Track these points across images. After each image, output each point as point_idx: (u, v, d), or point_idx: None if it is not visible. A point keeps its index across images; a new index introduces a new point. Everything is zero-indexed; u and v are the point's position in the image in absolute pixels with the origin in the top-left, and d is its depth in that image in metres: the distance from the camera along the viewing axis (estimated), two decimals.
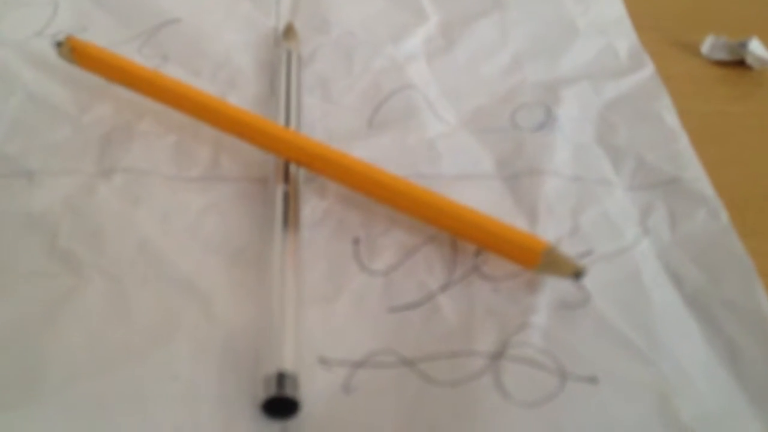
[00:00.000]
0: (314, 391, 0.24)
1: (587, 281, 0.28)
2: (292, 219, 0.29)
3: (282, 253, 0.27)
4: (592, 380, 0.25)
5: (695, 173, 0.32)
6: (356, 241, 0.29)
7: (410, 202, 0.29)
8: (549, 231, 0.30)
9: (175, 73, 0.36)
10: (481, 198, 0.31)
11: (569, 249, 0.29)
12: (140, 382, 0.24)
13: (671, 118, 0.35)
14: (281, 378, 0.23)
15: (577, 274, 0.27)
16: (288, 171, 0.30)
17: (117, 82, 0.33)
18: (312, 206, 0.30)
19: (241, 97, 0.35)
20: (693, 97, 0.37)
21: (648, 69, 0.37)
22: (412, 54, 0.38)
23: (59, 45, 0.34)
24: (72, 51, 0.33)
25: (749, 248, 0.29)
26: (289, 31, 0.38)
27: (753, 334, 0.26)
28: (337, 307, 0.27)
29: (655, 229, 0.30)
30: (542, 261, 0.27)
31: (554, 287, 0.28)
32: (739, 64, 0.39)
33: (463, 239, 0.29)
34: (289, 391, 0.23)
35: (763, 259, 0.29)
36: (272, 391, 0.23)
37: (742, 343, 0.26)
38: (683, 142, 0.33)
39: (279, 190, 0.30)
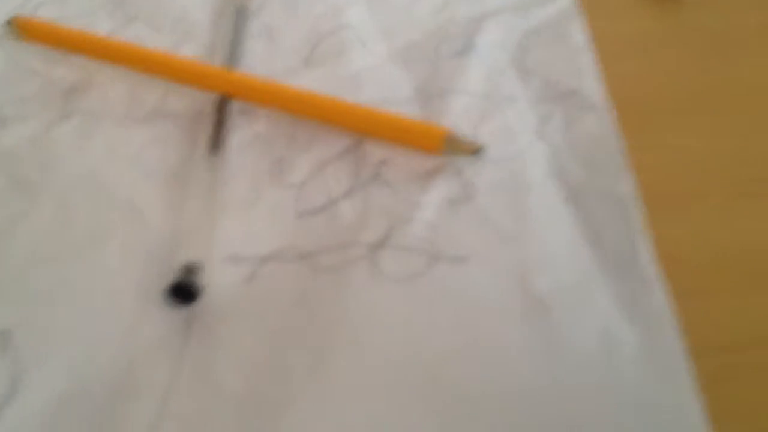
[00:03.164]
0: (222, 282, 0.28)
1: (476, 181, 0.31)
2: (219, 143, 0.33)
3: (206, 171, 0.32)
4: (461, 260, 0.28)
5: (591, 85, 0.35)
6: (279, 160, 0.33)
7: (324, 110, 0.34)
8: None
9: (138, 31, 0.40)
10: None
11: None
12: (76, 275, 0.29)
13: (580, 38, 0.37)
14: (187, 268, 0.28)
15: (476, 151, 0.31)
16: (223, 105, 0.35)
17: (65, 50, 0.37)
18: (243, 133, 0.34)
19: (195, 47, 0.39)
20: (613, 19, 0.39)
21: None
22: None
23: (8, 24, 0.38)
24: (20, 29, 0.38)
25: (641, 144, 0.32)
26: None
27: (615, 215, 0.30)
28: (252, 214, 0.31)
29: (550, 134, 0.33)
30: (446, 144, 0.31)
31: (445, 188, 0.31)
32: None
33: (375, 136, 0.33)
34: (191, 278, 0.27)
35: (650, 153, 0.32)
36: (176, 278, 0.27)
37: (605, 223, 0.29)
38: (587, 59, 0.36)
39: (210, 120, 0.34)
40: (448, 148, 0.31)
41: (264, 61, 0.38)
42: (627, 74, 0.36)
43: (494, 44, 0.38)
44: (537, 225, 0.30)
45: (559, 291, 0.28)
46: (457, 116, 0.34)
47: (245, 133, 0.34)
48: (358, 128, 0.33)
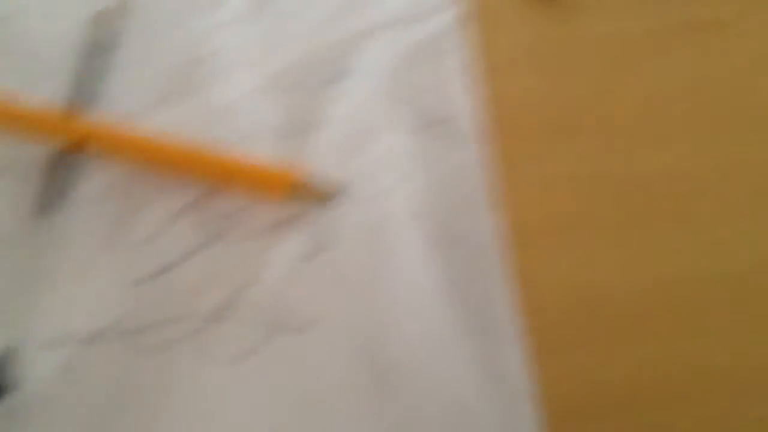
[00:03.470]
0: (40, 369, 0.25)
1: (334, 230, 0.28)
2: (52, 202, 0.30)
3: (35, 237, 0.28)
4: (305, 328, 0.25)
5: (464, 112, 0.32)
6: (118, 219, 0.30)
7: (166, 158, 0.30)
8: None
9: None
10: (260, 158, 0.31)
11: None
12: None
13: (459, 58, 0.34)
14: None
15: (328, 198, 0.28)
16: (60, 157, 0.31)
17: None
18: (80, 189, 0.31)
19: (51, 85, 0.36)
20: (498, 30, 0.36)
21: (453, 9, 0.37)
22: (223, 22, 0.38)
23: None
24: None
25: (514, 175, 0.29)
26: (100, 18, 0.38)
27: (476, 265, 0.27)
28: (82, 286, 0.28)
29: (418, 170, 0.30)
30: (294, 192, 0.29)
31: (298, 241, 0.28)
32: None
33: (221, 185, 0.30)
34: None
35: (523, 184, 0.29)
36: None
37: (467, 274, 0.27)
38: (465, 81, 0.33)
39: (45, 175, 0.31)
40: (298, 195, 0.28)
41: (123, 98, 0.35)
42: (511, 92, 0.33)
43: (372, 67, 0.35)
44: (395, 280, 0.27)
45: (413, 356, 0.25)
46: (325, 152, 0.31)
47: (83, 189, 0.31)
48: (201, 176, 0.30)
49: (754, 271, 0.26)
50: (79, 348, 0.26)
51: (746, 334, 0.25)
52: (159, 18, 0.39)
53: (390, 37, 0.36)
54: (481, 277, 0.26)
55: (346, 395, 0.24)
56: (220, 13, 0.39)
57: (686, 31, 0.35)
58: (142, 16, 0.39)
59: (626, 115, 0.32)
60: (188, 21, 0.38)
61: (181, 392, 0.24)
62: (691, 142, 0.30)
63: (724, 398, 0.24)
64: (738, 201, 0.28)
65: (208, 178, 0.30)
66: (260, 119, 0.33)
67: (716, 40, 0.34)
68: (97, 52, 0.37)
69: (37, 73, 0.37)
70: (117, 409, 0.24)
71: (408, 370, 0.24)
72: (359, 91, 0.34)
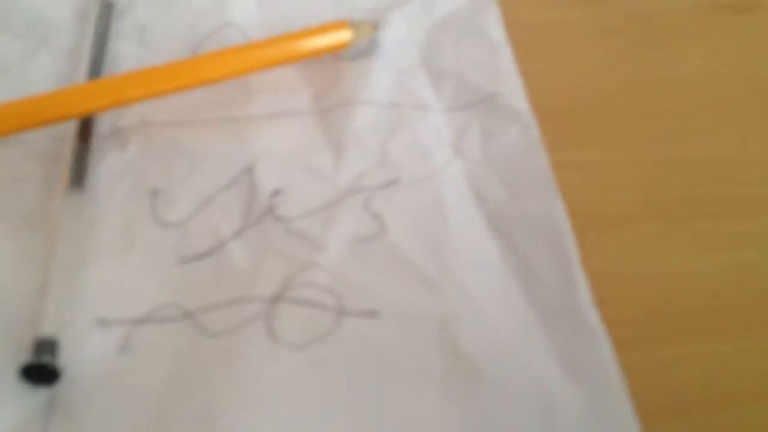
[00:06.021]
0: (90, 352, 0.23)
1: (386, 212, 0.27)
2: (83, 176, 0.28)
3: (69, 213, 0.26)
4: (372, 314, 0.24)
5: (512, 88, 0.31)
6: (154, 194, 0.28)
7: (212, 64, 0.30)
8: (354, 162, 0.29)
9: None
10: (290, 134, 0.30)
11: (375, 179, 0.28)
12: None
13: (497, 33, 0.33)
14: (42, 343, 0.23)
15: (374, 27, 0.32)
16: (87, 127, 0.29)
17: None
18: (111, 161, 0.29)
19: (54, 52, 0.34)
20: (528, 7, 0.35)
21: None
22: None
23: None
24: None
25: (564, 160, 0.28)
26: None
27: (547, 250, 0.26)
28: (125, 264, 0.26)
29: (467, 149, 0.29)
30: (353, 34, 0.32)
31: (350, 222, 0.27)
32: None
33: (283, 62, 0.31)
34: (45, 357, 0.22)
35: (575, 171, 0.28)
36: (28, 358, 0.22)
37: (535, 261, 0.26)
38: (506, 57, 0.32)
39: (69, 148, 0.28)
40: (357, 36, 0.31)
41: (134, 68, 0.33)
42: (546, 73, 0.32)
43: (401, 41, 0.34)
44: (458, 265, 0.25)
45: (488, 345, 0.24)
46: (361, 132, 0.30)
47: (114, 161, 0.29)
48: (262, 64, 0.31)
49: None
50: (132, 328, 0.24)
51: None
52: None
53: (418, 9, 0.35)
54: (555, 261, 0.25)
55: (418, 385, 0.23)
56: None
57: (716, 12, 0.34)
58: None
59: (673, 101, 0.31)
60: None
61: (250, 376, 0.23)
62: (740, 127, 0.30)
63: None
64: None
65: (267, 64, 0.30)
66: (288, 96, 0.32)
67: (748, 21, 0.34)
68: (106, 14, 0.34)
69: (40, 37, 0.34)
70: (178, 392, 0.23)
71: (485, 361, 0.23)
72: (392, 65, 0.33)
